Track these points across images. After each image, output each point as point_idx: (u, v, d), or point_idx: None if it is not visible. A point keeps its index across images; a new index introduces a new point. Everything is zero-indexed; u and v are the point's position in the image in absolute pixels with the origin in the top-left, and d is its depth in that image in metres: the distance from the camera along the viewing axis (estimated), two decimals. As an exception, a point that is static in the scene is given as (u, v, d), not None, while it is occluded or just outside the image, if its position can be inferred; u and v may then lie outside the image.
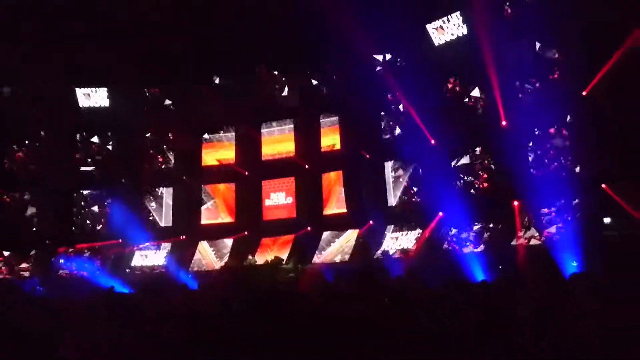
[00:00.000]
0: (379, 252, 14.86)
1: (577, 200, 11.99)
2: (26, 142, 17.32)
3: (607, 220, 11.58)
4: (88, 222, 17.40)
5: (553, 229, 12.14)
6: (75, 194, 17.46)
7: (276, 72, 17.14)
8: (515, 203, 12.71)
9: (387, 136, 15.84)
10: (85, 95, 17.69)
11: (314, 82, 16.89)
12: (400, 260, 13.92)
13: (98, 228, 17.35)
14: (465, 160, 14.26)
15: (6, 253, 16.50)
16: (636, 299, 3.59)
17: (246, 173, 17.70)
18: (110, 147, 17.88)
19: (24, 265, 16.52)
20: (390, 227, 15.27)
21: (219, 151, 18.15)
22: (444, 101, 14.53)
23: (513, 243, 12.60)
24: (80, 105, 17.65)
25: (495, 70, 13.04)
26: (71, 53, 15.98)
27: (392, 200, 15.68)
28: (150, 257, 17.26)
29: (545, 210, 12.34)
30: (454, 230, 13.65)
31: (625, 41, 10.97)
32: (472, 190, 13.95)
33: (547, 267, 10.19)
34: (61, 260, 16.33)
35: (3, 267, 16.31)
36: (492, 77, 13.06)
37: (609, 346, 3.14)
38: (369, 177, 15.99)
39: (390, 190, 15.74)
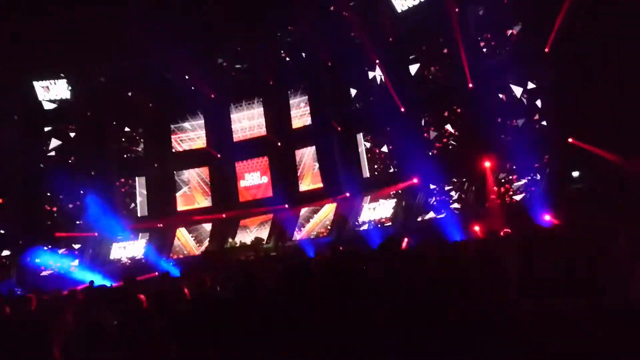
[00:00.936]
0: (357, 223, 15.00)
1: (546, 157, 12.26)
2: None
3: (575, 174, 11.90)
4: (61, 216, 17.02)
5: (522, 187, 12.44)
6: (45, 189, 17.01)
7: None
8: (487, 164, 12.91)
9: (357, 107, 15.84)
10: (44, 88, 17.16)
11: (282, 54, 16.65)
12: (378, 229, 14.09)
13: (73, 222, 16.98)
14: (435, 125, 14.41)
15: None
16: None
17: (219, 156, 17.52)
18: (76, 139, 17.42)
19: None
20: (367, 198, 15.39)
21: (190, 135, 17.91)
22: (408, 69, 14.55)
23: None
24: (40, 98, 17.10)
25: (460, 31, 13.09)
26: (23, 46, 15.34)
27: (366, 171, 15.79)
28: (129, 248, 17.06)
29: (515, 168, 12.63)
30: (428, 195, 13.84)
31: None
32: (442, 154, 14.12)
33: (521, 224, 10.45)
34: (37, 260, 15.98)
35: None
36: (456, 38, 13.12)
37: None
38: (342, 150, 16.02)
39: (364, 161, 15.83)
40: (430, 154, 14.20)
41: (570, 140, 11.54)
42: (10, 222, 16.55)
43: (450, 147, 14.20)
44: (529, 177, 12.48)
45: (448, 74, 14.06)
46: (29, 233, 16.28)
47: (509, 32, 13.17)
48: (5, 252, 16.31)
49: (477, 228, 11.66)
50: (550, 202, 11.21)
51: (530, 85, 12.84)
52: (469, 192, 13.45)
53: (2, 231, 16.45)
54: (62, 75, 17.15)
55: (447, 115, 14.31)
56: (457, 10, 13.26)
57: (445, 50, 14.19)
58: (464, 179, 13.64)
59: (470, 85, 13.23)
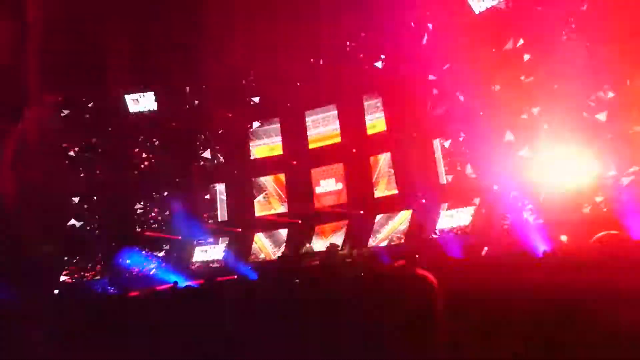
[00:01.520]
0: (435, 231, 14.64)
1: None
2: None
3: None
4: (149, 220, 18.05)
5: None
6: (135, 196, 18.14)
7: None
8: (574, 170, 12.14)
9: (435, 112, 15.49)
10: (134, 101, 18.33)
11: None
12: (457, 237, 13.67)
13: (160, 226, 17.97)
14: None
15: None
16: None
17: (294, 163, 17.82)
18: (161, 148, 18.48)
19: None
20: (445, 205, 14.99)
21: (267, 143, 18.39)
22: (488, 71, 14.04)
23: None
24: (130, 110, 18.30)
25: (544, 32, 12.49)
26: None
27: (444, 177, 15.39)
28: (210, 252, 17.75)
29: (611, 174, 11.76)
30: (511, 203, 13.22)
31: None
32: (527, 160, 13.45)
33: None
34: (127, 260, 17.02)
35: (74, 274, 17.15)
36: (541, 41, 12.52)
37: None
38: (419, 156, 15.73)
39: (441, 167, 15.44)
40: (513, 159, 13.55)
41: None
42: (104, 226, 17.79)
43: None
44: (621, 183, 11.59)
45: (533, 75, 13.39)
46: (121, 235, 17.42)
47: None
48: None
49: (564, 237, 11.01)
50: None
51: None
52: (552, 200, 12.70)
53: (97, 231, 17.70)
54: (148, 88, 18.25)
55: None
56: (539, 8, 12.67)
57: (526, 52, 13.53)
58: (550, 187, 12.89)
59: (556, 86, 12.53)
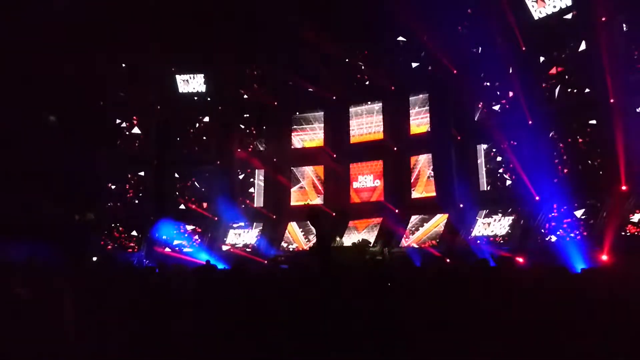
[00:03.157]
0: (469, 237, 14.39)
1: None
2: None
3: None
4: (188, 199, 18.50)
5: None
6: (176, 174, 18.62)
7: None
8: (624, 187, 11.66)
9: (481, 118, 15.18)
10: (184, 82, 18.78)
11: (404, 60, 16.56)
12: (489, 245, 13.40)
13: (198, 203, 18.38)
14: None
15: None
16: None
17: (334, 155, 17.84)
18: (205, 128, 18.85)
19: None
20: (482, 213, 14.70)
21: (309, 133, 18.48)
22: (542, 80, 13.63)
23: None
24: (180, 91, 18.75)
25: (601, 47, 11.99)
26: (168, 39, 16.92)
27: (484, 185, 15.08)
28: (243, 235, 18.06)
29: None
30: (551, 216, 12.85)
31: None
32: (571, 173, 13.00)
33: None
34: (164, 237, 17.53)
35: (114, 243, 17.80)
36: (598, 55, 12.04)
37: None
38: (460, 160, 15.46)
39: (482, 174, 15.13)
40: (557, 171, 13.14)
41: None
42: (144, 200, 18.37)
43: (581, 166, 13.04)
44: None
45: (587, 86, 12.91)
46: (160, 209, 17.95)
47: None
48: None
49: (604, 257, 10.62)
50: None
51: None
52: (599, 217, 12.23)
53: (137, 201, 18.28)
54: (200, 71, 18.65)
55: (580, 133, 13.14)
56: (603, 19, 12.15)
57: (586, 62, 13.03)
58: (596, 202, 12.43)
59: (612, 100, 12.02)
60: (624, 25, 12.07)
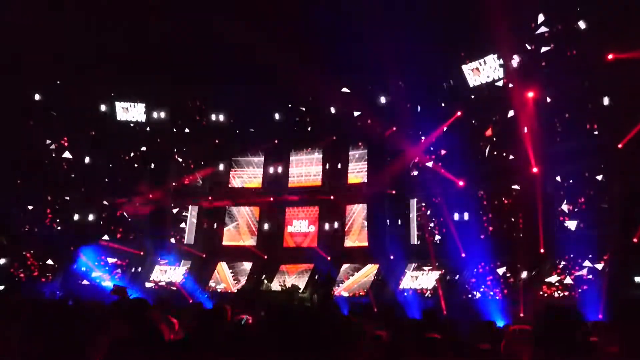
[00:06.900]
0: (397, 289, 14.60)
1: (607, 256, 11.57)
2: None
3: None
4: (114, 229, 17.65)
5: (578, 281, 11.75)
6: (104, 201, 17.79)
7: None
8: (542, 251, 12.37)
9: (415, 173, 15.77)
10: (123, 109, 18.24)
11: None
12: (417, 298, 13.66)
13: (123, 237, 17.58)
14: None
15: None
16: None
17: (271, 199, 17.77)
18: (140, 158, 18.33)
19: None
20: (411, 266, 15.04)
21: (247, 174, 18.35)
22: (474, 141, 14.48)
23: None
24: (118, 118, 18.17)
25: (529, 116, 12.96)
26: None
27: (415, 238, 15.51)
28: (169, 272, 17.35)
29: (573, 263, 11.99)
30: (474, 273, 13.35)
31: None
32: (495, 234, 13.67)
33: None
34: (83, 268, 16.53)
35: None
36: (525, 122, 12.98)
37: None
38: (393, 212, 15.87)
39: (413, 227, 15.58)
40: (484, 230, 13.78)
41: (635, 240, 10.93)
42: (66, 227, 17.32)
43: (505, 226, 13.75)
44: (584, 275, 11.80)
45: (512, 153, 13.80)
46: (81, 239, 16.91)
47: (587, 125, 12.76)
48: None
49: (521, 315, 11.09)
50: (604, 305, 10.48)
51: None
52: (518, 278, 12.85)
53: (59, 228, 17.20)
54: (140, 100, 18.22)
55: (505, 195, 13.95)
56: (531, 94, 13.14)
57: (513, 130, 13.98)
58: (516, 264, 13.07)
59: (535, 169, 12.88)
60: (548, 99, 13.10)
